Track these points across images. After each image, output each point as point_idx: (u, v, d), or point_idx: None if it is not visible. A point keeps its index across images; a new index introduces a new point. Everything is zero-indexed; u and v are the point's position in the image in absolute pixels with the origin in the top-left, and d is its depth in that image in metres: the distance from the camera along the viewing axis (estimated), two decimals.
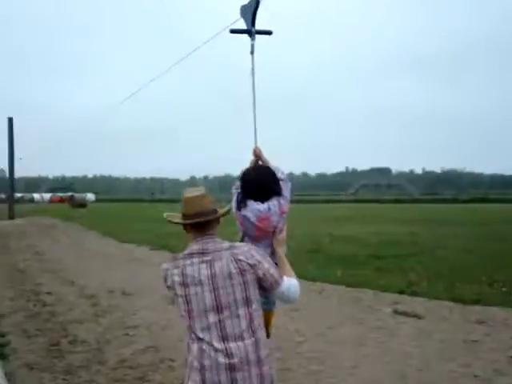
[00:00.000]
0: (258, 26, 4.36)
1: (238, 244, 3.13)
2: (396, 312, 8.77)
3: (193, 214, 3.11)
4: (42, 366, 6.37)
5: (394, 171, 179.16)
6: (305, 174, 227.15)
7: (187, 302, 2.98)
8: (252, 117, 4.23)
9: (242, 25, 4.44)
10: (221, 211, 3.20)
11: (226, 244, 3.07)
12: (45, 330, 8.07)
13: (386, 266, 13.39)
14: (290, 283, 3.18)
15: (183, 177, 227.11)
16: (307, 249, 17.07)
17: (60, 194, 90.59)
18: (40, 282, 12.28)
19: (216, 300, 2.94)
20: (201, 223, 3.10)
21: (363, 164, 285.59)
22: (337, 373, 5.98)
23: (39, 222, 30.19)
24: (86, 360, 6.56)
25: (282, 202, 3.62)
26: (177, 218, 3.24)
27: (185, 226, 3.18)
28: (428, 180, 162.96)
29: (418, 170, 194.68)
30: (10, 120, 32.76)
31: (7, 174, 35.25)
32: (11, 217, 32.30)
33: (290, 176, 3.26)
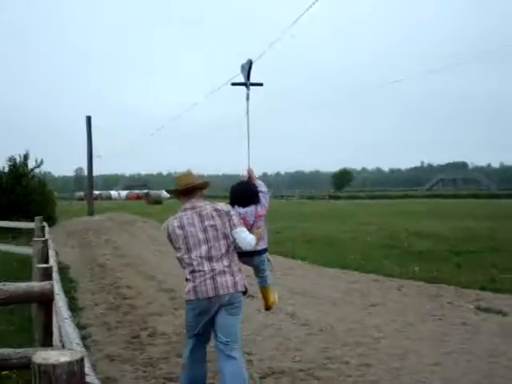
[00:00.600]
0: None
1: (218, 203, 4.87)
2: (479, 308, 8.50)
3: (183, 185, 4.83)
4: (123, 358, 6.51)
5: (470, 165, 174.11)
6: (379, 170, 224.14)
7: (185, 238, 4.62)
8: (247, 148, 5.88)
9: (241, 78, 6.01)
10: (202, 181, 5.03)
11: (209, 203, 4.80)
12: (125, 322, 8.26)
13: (465, 262, 13.01)
14: (247, 235, 4.73)
15: (255, 173, 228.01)
16: (383, 244, 16.84)
17: (136, 191, 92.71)
18: (119, 276, 12.58)
19: (205, 235, 4.59)
20: (189, 190, 4.82)
21: (439, 158, 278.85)
22: (418, 370, 5.83)
23: (117, 218, 30.98)
24: (166, 352, 6.67)
25: (259, 208, 5.17)
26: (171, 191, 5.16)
27: (178, 194, 4.94)
28: (506, 174, 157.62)
29: (496, 164, 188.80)
30: (89, 118, 33.63)
31: (86, 172, 36.42)
32: (90, 213, 33.27)
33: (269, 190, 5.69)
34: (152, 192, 69.65)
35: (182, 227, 4.64)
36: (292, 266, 13.34)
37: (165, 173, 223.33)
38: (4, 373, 5.53)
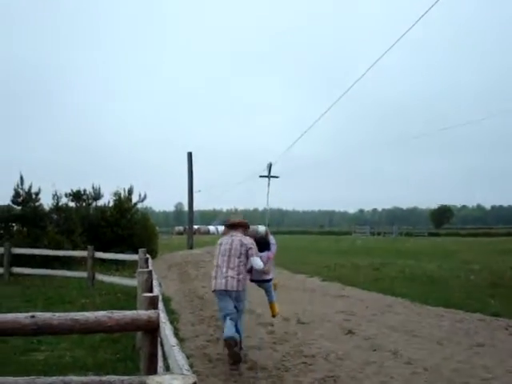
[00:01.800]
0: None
1: (246, 237, 8.16)
2: None
3: (231, 222, 8.49)
4: None
5: None
6: (479, 207, 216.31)
7: (220, 250, 7.98)
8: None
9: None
10: (243, 221, 8.55)
11: (242, 236, 8.11)
12: (225, 355, 8.27)
13: None
14: (258, 261, 8.02)
15: (352, 209, 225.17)
16: (488, 283, 16.11)
17: None
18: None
19: (230, 252, 7.84)
20: (233, 225, 8.39)
21: None
22: None
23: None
24: None
25: (269, 253, 8.73)
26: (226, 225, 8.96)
27: (227, 227, 8.59)
28: None
29: None
30: (190, 154, 34.44)
31: (185, 207, 37.13)
32: (190, 247, 33.87)
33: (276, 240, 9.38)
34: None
35: (221, 244, 8.23)
36: (391, 303, 13.00)
37: (260, 208, 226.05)
38: None
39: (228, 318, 7.67)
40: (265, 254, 8.63)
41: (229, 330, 7.53)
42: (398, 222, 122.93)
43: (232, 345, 7.42)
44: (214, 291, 7.92)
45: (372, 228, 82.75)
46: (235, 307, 7.77)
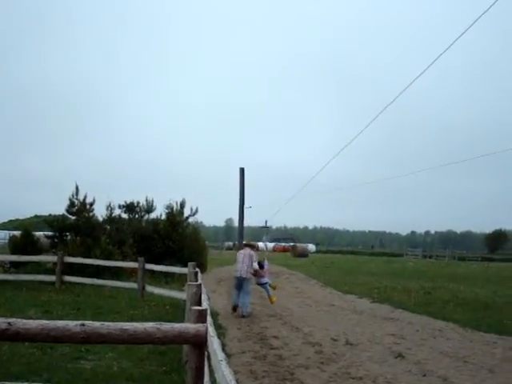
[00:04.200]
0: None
1: (253, 252, 15.27)
2: None
3: (245, 244, 17.28)
4: None
5: None
6: None
7: (238, 256, 15.15)
8: None
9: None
10: (251, 243, 17.17)
11: (249, 251, 15.16)
12: (271, 372, 8.20)
13: None
14: (255, 264, 14.95)
15: (403, 231, 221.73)
16: None
17: (283, 244, 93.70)
18: (266, 325, 12.62)
19: (244, 257, 14.79)
20: (246, 245, 16.46)
21: None
22: None
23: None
24: None
25: (264, 269, 15.58)
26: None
27: (244, 245, 17.58)
28: None
29: None
30: (242, 170, 34.61)
31: (236, 223, 37.28)
32: None
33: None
34: (299, 245, 69.99)
35: (240, 254, 15.29)
36: (441, 328, 12.67)
37: (311, 227, 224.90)
38: None
39: (236, 292, 14.74)
40: (262, 269, 15.52)
41: (235, 299, 14.72)
42: (452, 245, 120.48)
43: (235, 308, 14.60)
44: (235, 277, 14.86)
45: (424, 251, 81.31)
46: (241, 287, 14.48)
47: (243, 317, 13.92)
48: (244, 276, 14.38)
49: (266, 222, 20.79)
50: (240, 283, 14.42)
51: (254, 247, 16.32)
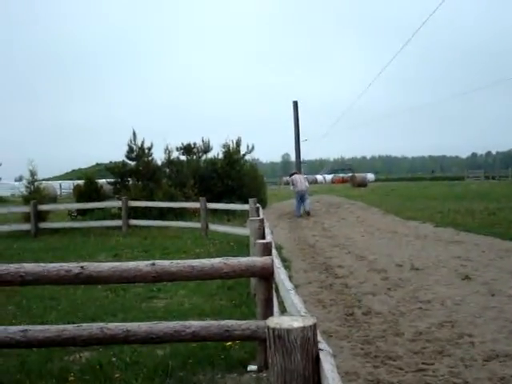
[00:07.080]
0: None
1: (301, 175, 26.22)
2: None
3: (294, 172, 26.64)
4: (339, 335, 6.55)
5: None
6: None
7: (295, 180, 24.12)
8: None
9: None
10: (298, 172, 26.98)
11: (299, 175, 25.58)
12: (338, 300, 8.30)
13: None
14: (307, 183, 24.55)
15: (464, 154, 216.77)
16: None
17: (341, 175, 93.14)
18: (330, 255, 12.70)
19: (300, 178, 24.23)
20: (295, 172, 26.20)
21: None
22: None
23: (324, 200, 31.32)
24: (382, 331, 6.58)
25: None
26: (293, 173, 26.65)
27: (294, 173, 26.12)
28: None
29: None
30: (295, 103, 34.26)
31: (292, 157, 37.17)
32: None
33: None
34: (357, 175, 69.44)
35: (295, 177, 24.26)
36: (508, 248, 12.41)
37: (368, 157, 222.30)
38: (227, 344, 5.82)
39: (297, 204, 23.52)
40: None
41: (299, 209, 23.57)
42: None
43: (301, 215, 23.11)
44: (297, 192, 23.34)
45: (486, 172, 79.51)
46: (302, 198, 23.36)
47: (308, 214, 23.18)
48: (304, 189, 23.47)
49: (302, 159, 33.24)
50: (302, 195, 23.45)
51: (299, 172, 26.69)
